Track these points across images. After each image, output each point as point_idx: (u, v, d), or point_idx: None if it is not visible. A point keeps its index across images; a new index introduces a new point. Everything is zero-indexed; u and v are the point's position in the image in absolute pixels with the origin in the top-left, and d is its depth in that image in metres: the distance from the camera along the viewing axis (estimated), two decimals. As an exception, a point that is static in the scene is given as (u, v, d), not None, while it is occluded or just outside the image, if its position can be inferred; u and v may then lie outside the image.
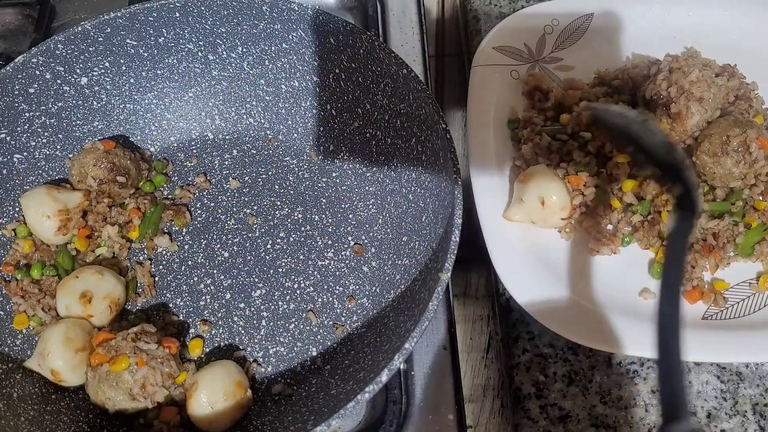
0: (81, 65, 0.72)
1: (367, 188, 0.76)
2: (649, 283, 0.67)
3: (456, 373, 0.67)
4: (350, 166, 0.77)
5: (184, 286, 0.71)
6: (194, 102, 0.80)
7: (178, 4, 0.72)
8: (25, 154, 0.71)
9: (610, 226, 0.70)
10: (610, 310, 0.65)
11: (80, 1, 0.98)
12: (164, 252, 0.73)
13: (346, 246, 0.73)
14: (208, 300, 0.70)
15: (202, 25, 0.74)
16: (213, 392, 0.60)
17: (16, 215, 0.71)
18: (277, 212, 0.76)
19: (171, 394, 0.62)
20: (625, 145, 0.62)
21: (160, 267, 0.73)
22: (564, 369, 0.65)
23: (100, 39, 0.72)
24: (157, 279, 0.72)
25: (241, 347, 0.68)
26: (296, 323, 0.69)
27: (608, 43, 0.84)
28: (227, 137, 0.81)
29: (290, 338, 0.68)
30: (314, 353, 0.67)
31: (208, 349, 0.68)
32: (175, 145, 0.81)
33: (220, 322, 0.69)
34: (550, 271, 0.67)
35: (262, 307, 0.70)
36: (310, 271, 0.72)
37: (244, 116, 0.81)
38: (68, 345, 0.62)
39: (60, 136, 0.74)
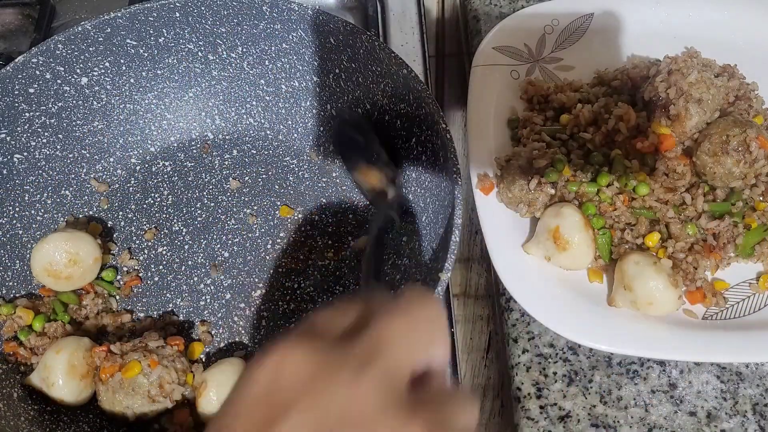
0: (81, 65, 0.72)
1: (367, 188, 0.76)
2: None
3: (456, 373, 0.67)
4: (350, 166, 0.77)
5: (184, 286, 0.71)
6: (194, 102, 0.80)
7: (178, 4, 0.72)
8: (25, 154, 0.71)
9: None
10: (611, 310, 0.65)
11: (80, 1, 0.98)
12: (164, 252, 0.73)
13: (346, 246, 0.73)
14: (208, 300, 0.70)
15: (202, 25, 0.74)
16: (222, 390, 0.60)
17: (15, 215, 0.71)
18: (277, 212, 0.76)
19: (185, 394, 0.62)
20: None
21: (160, 267, 0.73)
22: (564, 369, 0.65)
23: (100, 39, 0.72)
24: (157, 279, 0.72)
25: (241, 347, 0.68)
26: (296, 323, 0.69)
27: (608, 43, 0.84)
28: (227, 137, 0.81)
29: (290, 338, 0.68)
30: (314, 353, 0.67)
31: (208, 349, 0.68)
32: (175, 145, 0.81)
33: (220, 322, 0.69)
34: (551, 271, 0.67)
35: (262, 307, 0.70)
36: (310, 271, 0.72)
37: (244, 116, 0.81)
38: (72, 373, 0.60)
39: (60, 136, 0.74)
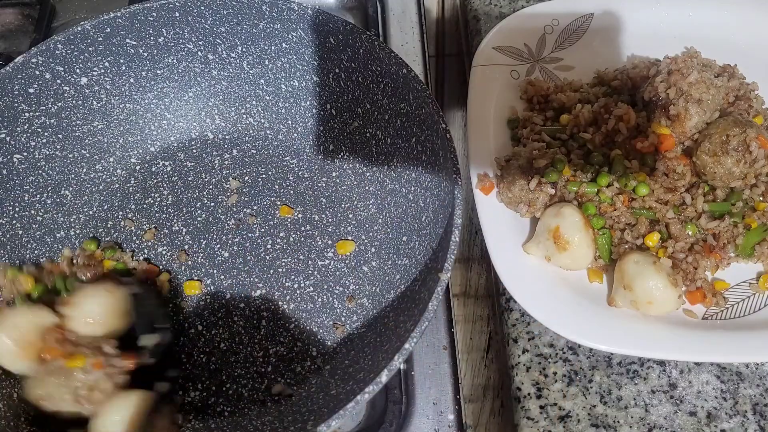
0: (81, 65, 0.72)
1: (367, 188, 0.76)
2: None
3: (456, 373, 0.67)
4: (350, 166, 0.77)
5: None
6: (194, 102, 0.80)
7: (178, 4, 0.72)
8: (25, 154, 0.71)
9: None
10: (611, 310, 0.65)
11: (80, 1, 0.98)
12: (164, 252, 0.73)
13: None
14: (208, 300, 0.70)
15: (202, 24, 0.74)
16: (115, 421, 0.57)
17: (15, 215, 0.71)
18: (277, 212, 0.76)
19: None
20: None
21: (160, 267, 0.73)
22: (564, 369, 0.65)
23: (100, 39, 0.72)
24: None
25: (241, 347, 0.68)
26: (296, 323, 0.69)
27: (608, 43, 0.84)
28: (227, 137, 0.81)
29: (290, 338, 0.68)
30: (314, 353, 0.67)
31: (208, 349, 0.68)
32: (175, 145, 0.81)
33: (219, 322, 0.69)
34: (552, 271, 0.67)
35: (262, 307, 0.70)
36: (310, 271, 0.72)
37: (244, 116, 0.81)
38: (17, 337, 0.59)
39: (60, 136, 0.74)
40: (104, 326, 0.62)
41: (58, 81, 0.72)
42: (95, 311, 0.62)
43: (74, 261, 0.71)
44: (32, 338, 0.60)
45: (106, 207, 0.76)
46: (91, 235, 0.75)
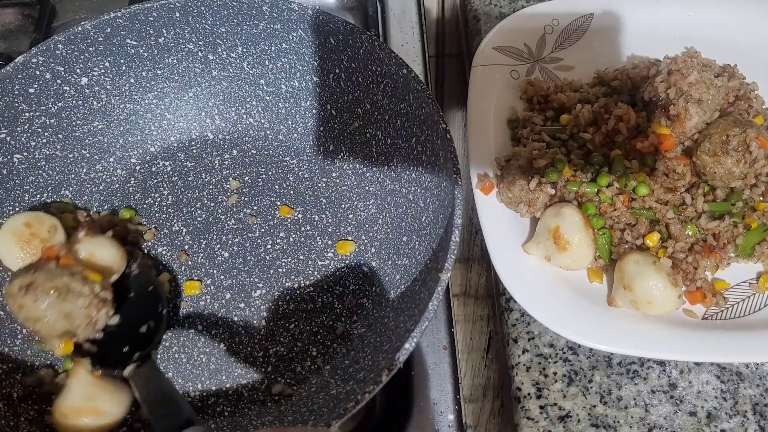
0: (81, 65, 0.73)
1: (367, 188, 0.76)
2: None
3: (456, 373, 0.67)
4: (350, 166, 0.77)
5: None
6: (194, 102, 0.80)
7: (178, 4, 0.72)
8: (25, 154, 0.71)
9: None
10: (611, 310, 0.65)
11: (80, 1, 0.98)
12: (164, 252, 0.74)
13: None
14: (208, 300, 0.71)
15: (202, 25, 0.74)
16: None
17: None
18: (277, 212, 0.76)
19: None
20: None
21: (160, 267, 0.73)
22: (564, 369, 0.65)
23: (100, 39, 0.72)
24: (157, 279, 0.72)
25: (241, 347, 0.68)
26: (296, 323, 0.69)
27: (608, 43, 0.84)
28: (227, 137, 0.81)
29: (290, 338, 0.68)
30: (314, 353, 0.67)
31: (207, 349, 0.68)
32: (175, 145, 0.81)
33: (219, 322, 0.69)
34: (552, 271, 0.67)
35: (262, 307, 0.70)
36: (310, 271, 0.72)
37: (244, 116, 0.81)
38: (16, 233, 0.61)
39: (60, 136, 0.74)
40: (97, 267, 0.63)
41: (59, 81, 0.72)
42: (103, 254, 0.62)
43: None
44: (38, 236, 0.62)
45: (106, 207, 0.76)
46: (127, 205, 0.76)
